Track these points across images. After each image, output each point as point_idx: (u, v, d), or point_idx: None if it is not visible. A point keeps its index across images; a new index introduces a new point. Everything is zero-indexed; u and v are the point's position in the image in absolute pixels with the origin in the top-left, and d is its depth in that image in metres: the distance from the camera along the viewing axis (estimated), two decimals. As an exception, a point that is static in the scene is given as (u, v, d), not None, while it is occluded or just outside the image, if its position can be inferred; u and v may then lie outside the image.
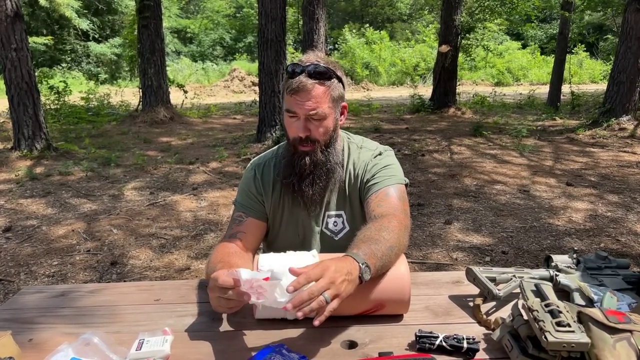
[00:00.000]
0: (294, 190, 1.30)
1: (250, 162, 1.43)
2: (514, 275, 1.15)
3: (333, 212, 1.36)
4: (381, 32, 23.30)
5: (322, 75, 1.20)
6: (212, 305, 1.01)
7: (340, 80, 1.26)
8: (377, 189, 1.28)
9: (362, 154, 1.36)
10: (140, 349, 0.93)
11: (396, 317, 1.07)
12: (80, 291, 1.25)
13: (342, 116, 1.32)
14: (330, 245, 1.35)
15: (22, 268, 3.08)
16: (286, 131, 1.29)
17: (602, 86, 12.83)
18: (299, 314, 0.84)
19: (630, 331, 0.85)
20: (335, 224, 1.36)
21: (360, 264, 0.96)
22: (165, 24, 13.08)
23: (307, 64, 1.20)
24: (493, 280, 1.13)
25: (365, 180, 1.32)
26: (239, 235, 1.30)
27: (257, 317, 1.06)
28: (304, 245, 1.35)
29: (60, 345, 0.92)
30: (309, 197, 1.29)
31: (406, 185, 1.34)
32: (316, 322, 0.86)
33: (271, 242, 1.42)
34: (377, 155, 1.36)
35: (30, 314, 1.13)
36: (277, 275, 0.91)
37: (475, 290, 1.14)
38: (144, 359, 0.91)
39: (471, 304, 1.12)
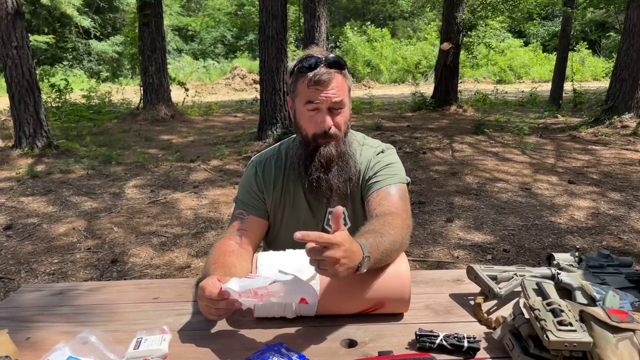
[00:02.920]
0: (320, 185, 1.25)
1: (251, 159, 1.42)
2: (515, 274, 1.14)
3: (334, 209, 1.34)
4: (383, 29, 23.25)
5: (338, 64, 1.20)
6: (202, 313, 1.01)
7: (349, 71, 1.26)
8: (378, 188, 1.27)
9: (364, 151, 1.35)
10: (138, 348, 0.92)
11: (396, 316, 1.06)
12: (78, 289, 1.25)
13: None
14: None
15: (23, 266, 3.08)
16: (301, 127, 1.25)
17: (605, 84, 12.78)
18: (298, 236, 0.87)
19: (633, 330, 0.84)
20: None
21: (364, 255, 0.95)
22: (166, 21, 13.06)
23: (322, 55, 1.20)
24: (494, 278, 1.12)
25: (367, 178, 1.31)
26: (239, 233, 1.29)
27: (256, 315, 1.05)
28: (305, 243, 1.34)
29: (57, 344, 0.91)
30: (337, 189, 1.26)
31: (408, 184, 1.33)
32: None
33: (272, 240, 1.41)
34: (379, 152, 1.34)
35: (28, 313, 1.13)
36: (281, 277, 0.91)
37: (476, 288, 1.13)
38: (142, 357, 0.90)
39: (472, 302, 1.11)
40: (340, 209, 0.94)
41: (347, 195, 1.34)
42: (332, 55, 1.21)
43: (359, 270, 0.94)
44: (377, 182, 1.28)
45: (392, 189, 1.26)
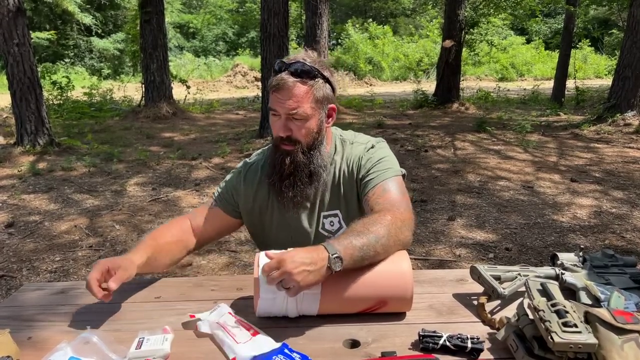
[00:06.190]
0: (274, 190, 1.28)
1: (246, 159, 1.43)
2: (519, 274, 1.13)
3: (328, 212, 1.33)
4: (384, 27, 23.17)
5: (306, 74, 1.17)
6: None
7: (327, 81, 1.22)
8: (374, 185, 1.25)
9: (354, 149, 1.33)
10: (140, 348, 0.92)
11: (399, 316, 1.06)
12: (80, 288, 1.24)
13: (330, 119, 1.28)
14: None
15: (25, 264, 3.09)
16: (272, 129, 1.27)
17: (607, 81, 12.74)
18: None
19: (639, 332, 0.83)
20: (331, 223, 1.33)
21: (331, 254, 0.97)
22: (167, 19, 13.04)
23: (292, 61, 1.18)
24: (498, 278, 1.11)
25: (360, 176, 1.29)
26: (198, 218, 1.35)
27: (258, 314, 1.05)
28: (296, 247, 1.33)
29: (59, 344, 0.91)
30: (289, 199, 1.27)
31: (403, 175, 1.31)
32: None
33: (262, 244, 1.41)
34: (369, 148, 1.32)
35: (29, 312, 1.12)
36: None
37: (479, 288, 1.13)
38: (144, 357, 0.90)
39: (475, 302, 1.10)
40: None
41: (340, 198, 1.32)
42: (308, 62, 1.18)
43: (331, 270, 0.97)
44: (371, 179, 1.26)
45: (387, 184, 1.24)
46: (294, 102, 1.16)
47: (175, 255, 1.31)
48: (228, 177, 1.40)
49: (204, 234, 1.34)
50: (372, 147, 1.32)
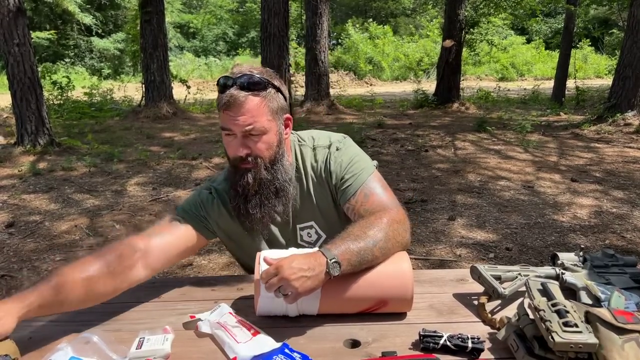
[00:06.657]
0: (240, 214, 1.19)
1: (209, 182, 1.31)
2: (519, 274, 1.13)
3: (304, 224, 1.29)
4: (385, 26, 23.19)
5: (256, 85, 1.10)
6: None
7: (278, 90, 1.16)
8: (353, 192, 1.20)
9: (318, 154, 1.26)
10: (140, 348, 0.92)
11: (399, 316, 1.06)
12: (80, 288, 1.24)
13: (287, 129, 1.22)
14: None
15: (25, 264, 3.09)
16: (225, 151, 1.18)
17: (607, 81, 12.74)
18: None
19: (639, 331, 0.83)
20: (309, 235, 1.29)
21: (329, 260, 0.97)
22: (168, 18, 13.03)
23: (238, 75, 1.11)
24: (498, 278, 1.11)
25: (334, 183, 1.23)
26: (156, 239, 1.15)
27: (258, 313, 1.05)
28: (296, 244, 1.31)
29: (59, 344, 0.91)
30: (257, 220, 1.18)
31: (376, 167, 1.27)
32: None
33: (245, 263, 1.39)
34: (334, 151, 1.24)
35: (30, 312, 1.12)
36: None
37: (479, 288, 1.13)
38: (144, 357, 0.90)
39: (476, 302, 1.10)
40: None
41: (313, 208, 1.28)
42: (255, 74, 1.11)
43: (330, 275, 0.97)
44: (348, 186, 1.20)
45: (367, 187, 1.19)
46: (249, 117, 1.09)
47: (105, 290, 1.06)
48: (194, 195, 1.28)
49: (165, 256, 1.16)
50: (338, 150, 1.25)
